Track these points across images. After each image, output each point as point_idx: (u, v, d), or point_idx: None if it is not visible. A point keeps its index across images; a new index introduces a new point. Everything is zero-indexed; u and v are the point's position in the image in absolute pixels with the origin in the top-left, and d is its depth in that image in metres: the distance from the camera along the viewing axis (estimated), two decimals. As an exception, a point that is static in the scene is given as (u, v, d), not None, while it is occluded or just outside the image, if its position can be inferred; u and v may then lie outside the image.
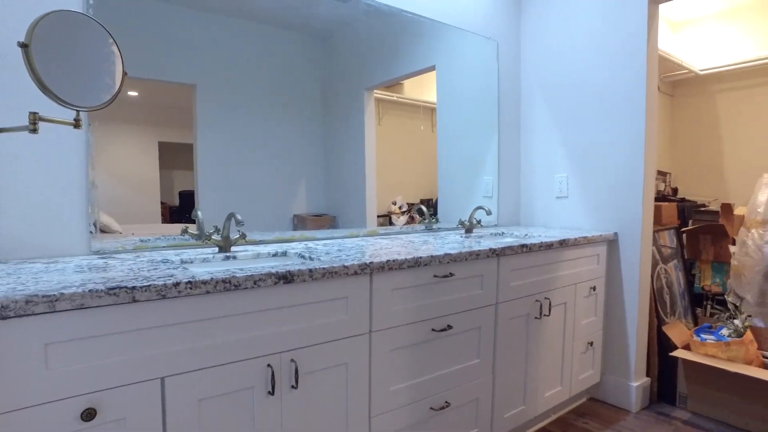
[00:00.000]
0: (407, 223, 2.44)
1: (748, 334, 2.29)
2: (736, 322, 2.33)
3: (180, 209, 1.78)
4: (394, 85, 2.42)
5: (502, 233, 2.42)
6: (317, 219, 2.09)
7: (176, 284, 1.05)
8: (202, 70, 1.74)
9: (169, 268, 1.23)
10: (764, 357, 2.28)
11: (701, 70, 3.64)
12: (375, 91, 2.28)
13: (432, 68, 2.51)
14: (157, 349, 1.06)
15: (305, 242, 1.91)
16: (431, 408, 1.64)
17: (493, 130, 2.74)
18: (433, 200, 2.56)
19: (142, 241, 1.60)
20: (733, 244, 2.66)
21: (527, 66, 2.83)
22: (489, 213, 2.30)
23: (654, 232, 2.55)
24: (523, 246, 1.87)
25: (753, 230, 2.39)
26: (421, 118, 2.54)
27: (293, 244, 1.84)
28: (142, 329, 1.04)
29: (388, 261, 1.45)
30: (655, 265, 2.57)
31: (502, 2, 2.74)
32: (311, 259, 1.48)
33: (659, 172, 3.77)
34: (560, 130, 2.66)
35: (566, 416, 2.33)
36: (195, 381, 1.12)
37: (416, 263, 1.51)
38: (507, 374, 1.92)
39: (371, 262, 1.40)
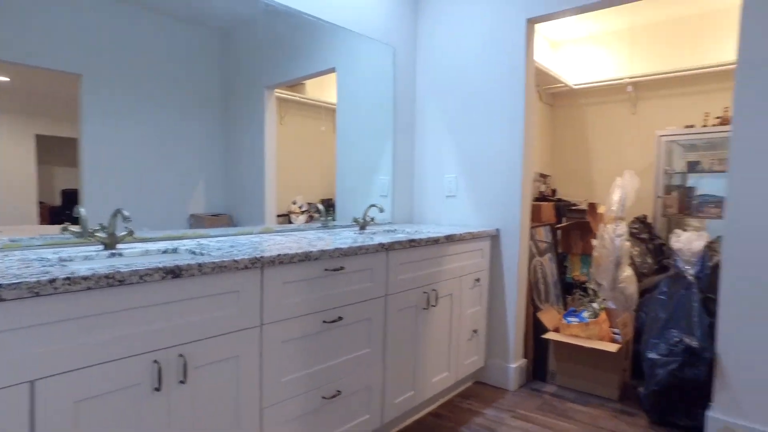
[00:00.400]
0: (306, 222, 2.49)
1: (603, 315, 2.65)
2: (594, 305, 2.68)
3: (63, 209, 1.68)
4: (296, 85, 2.46)
5: (395, 230, 2.56)
6: (214, 219, 2.07)
7: (52, 281, 1.03)
8: (90, 58, 1.66)
9: (44, 266, 1.18)
10: (614, 333, 2.65)
11: (574, 85, 4.08)
12: (276, 90, 2.30)
13: (332, 70, 2.58)
14: (27, 350, 1.02)
15: (198, 239, 1.89)
16: (323, 397, 1.72)
17: (389, 132, 2.88)
18: (334, 200, 2.64)
19: (12, 240, 1.50)
20: (596, 238, 3.03)
21: (422, 72, 3.01)
22: (381, 210, 2.43)
23: (531, 228, 2.84)
24: (411, 241, 2.01)
25: (608, 225, 2.76)
26: (322, 119, 2.61)
27: (185, 242, 1.82)
28: (7, 330, 0.99)
29: (279, 255, 1.50)
30: (532, 257, 2.86)
31: (399, 11, 2.89)
32: (202, 254, 1.48)
33: (541, 175, 4.16)
34: (451, 133, 2.87)
35: (453, 399, 2.52)
36: (72, 382, 1.09)
37: (307, 257, 1.58)
38: (397, 362, 2.05)
39: (262, 257, 1.45)
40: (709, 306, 2.24)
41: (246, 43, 2.15)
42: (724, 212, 2.03)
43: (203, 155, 2.00)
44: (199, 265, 1.29)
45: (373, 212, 2.68)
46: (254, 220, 2.21)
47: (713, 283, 2.21)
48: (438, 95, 2.93)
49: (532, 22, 2.59)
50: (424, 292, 2.15)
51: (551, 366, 2.73)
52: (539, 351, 2.78)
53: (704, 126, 3.44)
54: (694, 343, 2.14)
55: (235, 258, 1.38)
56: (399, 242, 1.95)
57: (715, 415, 2.05)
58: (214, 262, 1.33)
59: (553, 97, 4.39)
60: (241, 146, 2.15)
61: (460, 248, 2.38)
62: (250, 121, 2.18)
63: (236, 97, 2.13)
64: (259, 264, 1.44)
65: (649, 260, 3.27)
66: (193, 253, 1.56)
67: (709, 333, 2.14)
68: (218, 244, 1.72)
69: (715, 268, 2.22)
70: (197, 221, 2.00)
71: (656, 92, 3.81)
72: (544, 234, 3.09)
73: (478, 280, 2.54)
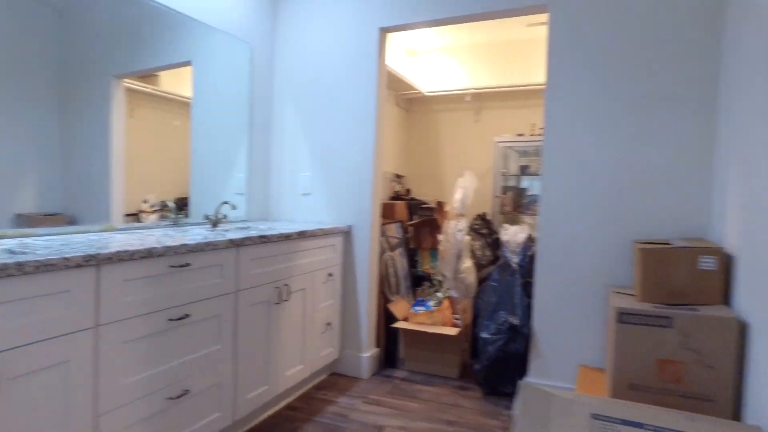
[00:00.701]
0: (159, 220, 2.38)
1: (446, 303, 2.95)
2: (439, 294, 2.97)
3: None
4: (148, 76, 2.32)
5: (248, 227, 2.56)
6: (48, 218, 1.88)
7: None
8: None
9: None
10: (455, 318, 2.96)
11: (426, 92, 4.42)
12: (125, 80, 2.16)
13: (188, 63, 2.50)
14: None
15: (21, 239, 1.72)
16: (169, 398, 1.68)
17: (245, 129, 2.86)
18: (189, 198, 2.55)
19: None
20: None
21: (280, 71, 3.04)
22: (234, 208, 2.42)
23: (383, 225, 3.04)
24: (262, 237, 2.05)
25: (452, 222, 3.07)
26: (177, 113, 2.50)
27: (4, 241, 1.64)
28: None
29: (118, 252, 1.44)
30: (383, 252, 3.06)
31: (258, 9, 2.88)
32: (24, 253, 1.36)
33: (396, 175, 4.43)
34: (307, 132, 2.95)
35: (309, 391, 2.60)
36: None
37: (150, 254, 1.54)
38: (249, 357, 2.06)
39: (98, 254, 1.38)
40: (528, 289, 2.62)
41: (88, 26, 1.98)
42: (539, 210, 2.40)
43: (34, 147, 1.80)
44: (19, 264, 1.20)
45: (226, 209, 2.64)
46: (98, 220, 2.05)
47: (531, 270, 2.59)
48: (295, 95, 2.98)
49: (384, 31, 2.78)
50: (276, 287, 2.20)
51: (401, 353, 2.95)
52: (390, 340, 2.99)
53: (531, 135, 3.98)
54: (516, 321, 2.49)
55: (66, 255, 1.30)
56: (250, 238, 1.97)
57: (530, 379, 2.42)
58: (38, 261, 1.23)
59: (408, 103, 4.70)
60: (83, 139, 1.98)
61: (313, 244, 2.46)
62: (94, 112, 2.02)
63: (77, 85, 1.95)
64: (94, 261, 1.37)
65: (488, 252, 3.68)
66: (12, 252, 1.42)
67: (528, 312, 2.51)
68: (47, 243, 1.59)
69: (533, 257, 2.61)
70: (26, 221, 1.80)
71: (495, 103, 4.30)
72: (395, 230, 3.31)
73: (331, 274, 2.65)
